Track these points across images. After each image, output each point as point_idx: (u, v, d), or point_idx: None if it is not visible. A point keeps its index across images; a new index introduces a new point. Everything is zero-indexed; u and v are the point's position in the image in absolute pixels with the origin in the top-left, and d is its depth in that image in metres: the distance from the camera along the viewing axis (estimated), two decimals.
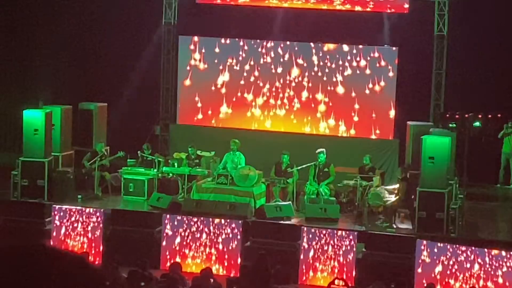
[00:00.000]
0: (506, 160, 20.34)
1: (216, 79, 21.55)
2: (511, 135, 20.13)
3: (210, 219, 16.57)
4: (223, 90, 21.52)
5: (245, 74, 21.42)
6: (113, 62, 21.96)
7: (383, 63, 20.56)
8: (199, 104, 21.68)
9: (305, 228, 16.26)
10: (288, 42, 21.20)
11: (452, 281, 15.08)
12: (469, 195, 17.97)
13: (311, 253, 16.03)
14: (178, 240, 16.61)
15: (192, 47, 21.72)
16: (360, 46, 20.72)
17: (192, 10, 21.89)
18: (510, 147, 20.21)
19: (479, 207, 18.53)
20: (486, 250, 14.91)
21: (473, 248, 15.05)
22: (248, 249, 16.03)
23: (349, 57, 20.81)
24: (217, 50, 21.55)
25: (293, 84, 21.15)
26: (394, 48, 20.49)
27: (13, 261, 1.92)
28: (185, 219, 16.67)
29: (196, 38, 21.73)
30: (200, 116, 21.69)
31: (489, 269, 14.75)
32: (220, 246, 16.44)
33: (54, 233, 16.92)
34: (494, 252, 14.85)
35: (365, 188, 17.43)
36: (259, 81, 21.34)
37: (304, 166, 18.08)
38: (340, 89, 20.85)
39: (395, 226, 16.87)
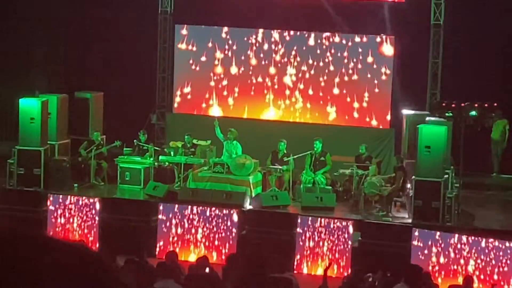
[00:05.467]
0: (495, 148, 20.32)
1: (212, 68, 21.51)
2: (497, 122, 19.98)
3: (207, 208, 16.60)
4: (220, 79, 21.48)
5: (242, 63, 21.38)
6: (109, 51, 21.89)
7: (379, 52, 20.53)
8: (196, 93, 21.64)
9: (301, 217, 16.29)
10: (284, 31, 21.16)
11: (447, 270, 15.13)
12: (465, 184, 17.98)
13: (307, 242, 16.06)
14: (174, 229, 16.63)
15: (188, 36, 21.65)
16: (356, 35, 20.68)
17: None
18: (498, 134, 20.15)
19: (475, 196, 18.55)
20: (481, 239, 14.95)
21: (468, 237, 15.09)
22: (244, 238, 16.05)
23: (345, 46, 20.78)
24: (213, 39, 21.50)
25: (290, 72, 21.11)
26: (390, 37, 20.46)
27: (10, 250, 1.90)
28: (181, 208, 16.69)
29: (192, 27, 21.67)
30: (196, 105, 21.65)
31: (485, 258, 14.80)
32: (216, 235, 16.47)
33: (50, 222, 16.94)
34: (490, 241, 14.90)
35: (361, 177, 17.44)
36: (256, 70, 21.30)
37: (300, 155, 18.08)
38: (336, 78, 20.82)
39: (391, 215, 16.89)
